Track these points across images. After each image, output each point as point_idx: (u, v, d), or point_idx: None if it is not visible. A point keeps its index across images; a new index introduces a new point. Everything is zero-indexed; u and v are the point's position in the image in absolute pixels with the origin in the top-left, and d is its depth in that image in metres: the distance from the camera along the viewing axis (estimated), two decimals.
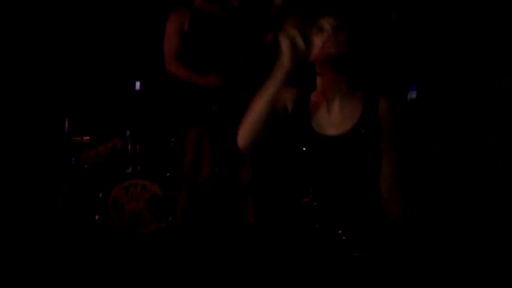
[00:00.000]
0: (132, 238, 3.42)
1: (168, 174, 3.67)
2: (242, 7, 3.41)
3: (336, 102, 1.84)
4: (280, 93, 1.82)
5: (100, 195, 3.46)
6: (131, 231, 3.44)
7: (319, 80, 1.87)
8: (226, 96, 3.21)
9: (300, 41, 1.67)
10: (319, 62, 1.81)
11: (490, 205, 2.97)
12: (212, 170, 3.21)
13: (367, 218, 1.79)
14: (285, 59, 1.68)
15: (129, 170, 3.67)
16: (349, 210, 1.78)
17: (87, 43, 4.39)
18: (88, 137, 3.93)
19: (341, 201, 1.78)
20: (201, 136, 3.23)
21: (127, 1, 4.40)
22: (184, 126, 3.27)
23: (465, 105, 3.28)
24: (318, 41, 1.78)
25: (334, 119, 1.83)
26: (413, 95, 3.55)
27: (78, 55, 4.33)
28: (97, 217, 3.43)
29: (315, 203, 1.81)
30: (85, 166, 3.74)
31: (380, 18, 3.70)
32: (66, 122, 3.88)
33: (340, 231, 1.77)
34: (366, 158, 1.79)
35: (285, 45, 1.67)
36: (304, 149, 1.82)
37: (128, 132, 3.81)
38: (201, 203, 3.23)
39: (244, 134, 1.77)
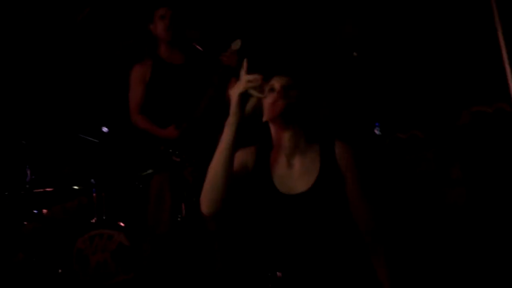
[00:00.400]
0: None
1: (134, 222, 3.59)
2: (206, 52, 3.43)
3: (295, 157, 1.83)
4: (240, 155, 1.81)
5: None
6: (97, 284, 3.32)
7: (276, 138, 1.86)
8: (187, 144, 3.18)
9: (253, 91, 1.66)
10: (273, 121, 1.81)
11: (454, 241, 2.97)
12: (172, 221, 3.14)
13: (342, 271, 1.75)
14: (232, 111, 1.67)
15: (94, 220, 3.58)
16: (324, 263, 1.74)
17: (51, 91, 4.34)
18: (51, 188, 3.83)
19: (314, 256, 1.74)
20: (163, 186, 3.17)
21: (92, 49, 4.38)
22: (147, 176, 3.23)
23: (428, 141, 3.31)
24: (269, 101, 1.79)
25: (296, 174, 1.82)
26: (376, 131, 3.57)
27: (40, 103, 4.28)
28: (60, 270, 3.33)
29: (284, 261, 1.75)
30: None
31: (340, 58, 3.75)
32: (28, 172, 3.78)
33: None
34: (334, 208, 1.77)
35: (232, 96, 1.66)
36: (268, 209, 1.79)
37: (93, 181, 3.74)
38: (166, 252, 3.14)
39: (206, 199, 1.74)
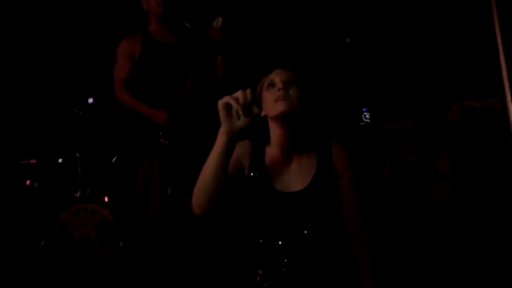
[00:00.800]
0: (80, 264, 3.29)
1: (119, 198, 3.56)
2: (194, 30, 3.38)
3: (292, 155, 1.82)
4: (235, 150, 1.76)
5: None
6: (79, 257, 3.31)
7: (274, 134, 1.82)
8: (176, 128, 3.13)
9: (235, 107, 1.59)
10: (272, 117, 1.78)
11: (438, 235, 3.01)
12: (161, 204, 3.10)
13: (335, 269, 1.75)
14: (223, 125, 1.62)
15: (79, 194, 3.56)
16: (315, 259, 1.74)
17: (35, 63, 4.26)
18: (35, 160, 3.78)
19: (306, 253, 1.73)
20: (150, 170, 3.13)
21: (81, 23, 4.30)
22: (133, 159, 3.18)
23: (416, 132, 3.34)
24: (269, 96, 1.76)
25: (292, 172, 1.81)
26: (364, 117, 3.59)
27: (24, 76, 4.19)
28: (42, 242, 3.30)
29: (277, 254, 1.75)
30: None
31: (333, 43, 3.75)
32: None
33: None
34: (328, 208, 1.77)
35: (221, 113, 1.60)
36: (262, 205, 1.78)
37: (77, 154, 3.70)
38: (152, 234, 3.12)
39: (197, 201, 1.72)
